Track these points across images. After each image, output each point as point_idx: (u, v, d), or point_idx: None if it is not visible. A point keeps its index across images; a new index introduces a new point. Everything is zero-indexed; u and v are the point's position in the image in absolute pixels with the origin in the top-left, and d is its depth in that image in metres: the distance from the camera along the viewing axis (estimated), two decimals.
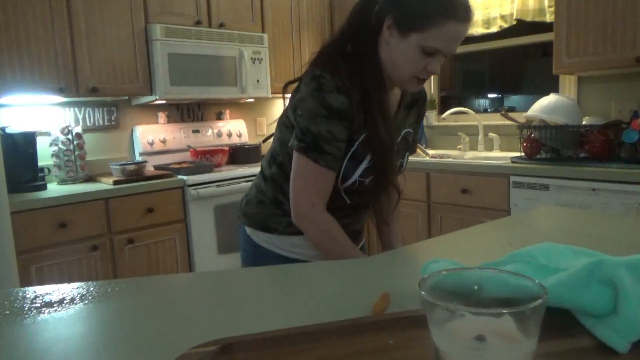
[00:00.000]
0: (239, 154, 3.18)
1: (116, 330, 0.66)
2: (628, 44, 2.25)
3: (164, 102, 2.95)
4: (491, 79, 3.75)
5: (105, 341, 0.63)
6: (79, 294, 0.80)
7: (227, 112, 3.45)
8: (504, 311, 0.38)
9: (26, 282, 2.15)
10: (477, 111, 3.32)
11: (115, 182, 2.48)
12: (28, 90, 2.37)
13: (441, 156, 3.18)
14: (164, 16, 2.78)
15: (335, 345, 0.55)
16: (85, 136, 2.77)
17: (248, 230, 1.23)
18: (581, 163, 2.29)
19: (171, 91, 2.77)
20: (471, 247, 1.02)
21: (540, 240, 0.74)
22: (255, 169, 2.90)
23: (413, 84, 1.07)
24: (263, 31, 3.24)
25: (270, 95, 3.28)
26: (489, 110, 3.65)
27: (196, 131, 3.25)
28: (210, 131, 3.32)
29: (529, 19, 2.86)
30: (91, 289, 0.82)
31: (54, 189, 2.48)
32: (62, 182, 2.62)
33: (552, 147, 2.45)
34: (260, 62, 3.16)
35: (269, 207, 1.18)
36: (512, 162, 2.54)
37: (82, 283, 0.84)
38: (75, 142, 2.64)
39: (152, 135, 3.05)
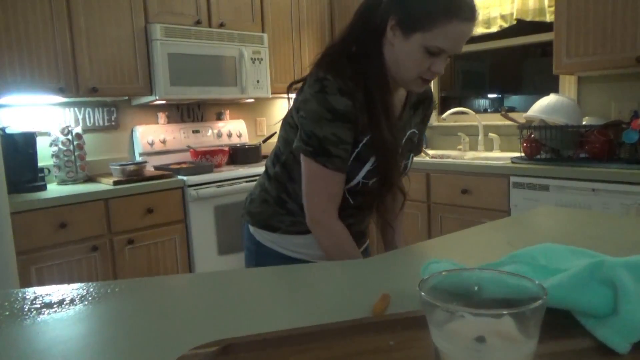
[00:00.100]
0: (239, 155, 3.18)
1: (116, 331, 0.66)
2: (628, 44, 2.25)
3: (164, 102, 2.95)
4: (491, 79, 3.75)
5: (105, 342, 0.63)
6: (78, 294, 0.80)
7: (227, 112, 3.45)
8: (504, 312, 0.38)
9: (26, 282, 2.15)
10: (477, 111, 3.32)
11: (115, 183, 2.48)
12: (28, 90, 2.37)
13: (441, 156, 3.18)
14: (164, 16, 2.78)
15: (336, 345, 0.55)
16: (85, 136, 2.77)
17: (251, 228, 1.23)
18: (581, 163, 2.29)
19: (171, 91, 2.77)
20: (471, 248, 1.02)
21: (540, 241, 0.74)
22: (255, 169, 2.91)
23: (418, 84, 1.05)
24: (263, 31, 3.24)
25: (270, 96, 3.28)
26: (489, 110, 3.65)
27: (196, 131, 3.25)
28: (210, 131, 3.32)
29: (529, 18, 2.86)
30: (91, 289, 0.82)
31: (54, 189, 2.47)
32: (62, 182, 2.62)
33: (552, 147, 2.45)
34: (260, 62, 3.16)
35: (272, 206, 1.18)
36: (512, 162, 2.53)
37: (82, 284, 0.84)
38: (75, 143, 2.64)
39: (152, 136, 3.05)
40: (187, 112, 3.30)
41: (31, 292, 0.82)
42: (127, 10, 2.66)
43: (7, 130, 2.43)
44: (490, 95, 3.79)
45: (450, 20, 0.94)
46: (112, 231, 2.42)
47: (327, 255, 1.10)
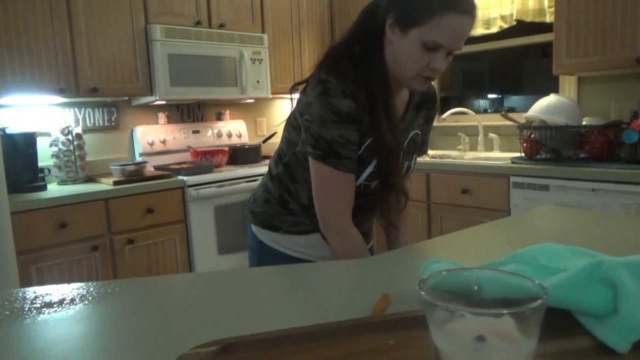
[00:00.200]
0: (239, 155, 3.18)
1: (116, 331, 0.66)
2: (628, 44, 2.25)
3: (164, 102, 2.95)
4: (491, 79, 3.75)
5: (105, 341, 0.63)
6: (78, 294, 0.80)
7: (227, 112, 3.46)
8: (504, 311, 0.38)
9: (26, 282, 2.15)
10: (477, 111, 3.32)
11: (115, 183, 2.48)
12: (28, 90, 2.37)
13: (441, 156, 3.18)
14: (164, 16, 2.78)
15: (336, 345, 0.55)
16: (86, 136, 2.77)
17: (254, 228, 1.23)
18: (581, 163, 2.29)
19: (171, 92, 2.78)
20: (471, 248, 1.02)
21: (540, 241, 0.74)
22: (255, 170, 2.91)
23: (419, 82, 1.04)
24: (263, 31, 3.24)
25: (270, 96, 3.28)
26: (489, 110, 3.65)
27: (196, 132, 3.25)
28: (210, 131, 3.32)
29: (529, 19, 2.86)
30: (91, 289, 0.82)
31: (54, 189, 2.48)
32: (62, 182, 2.62)
33: (552, 147, 2.45)
34: (260, 63, 3.16)
35: (274, 205, 1.18)
36: (512, 162, 2.54)
37: (82, 283, 0.84)
38: (75, 143, 2.65)
39: (152, 136, 3.05)
40: (187, 113, 3.30)
41: (31, 291, 0.82)
42: (127, 11, 2.66)
43: (7, 131, 2.43)
44: (490, 96, 3.79)
45: (446, 13, 0.94)
46: (112, 231, 2.42)
47: (335, 257, 1.08)
